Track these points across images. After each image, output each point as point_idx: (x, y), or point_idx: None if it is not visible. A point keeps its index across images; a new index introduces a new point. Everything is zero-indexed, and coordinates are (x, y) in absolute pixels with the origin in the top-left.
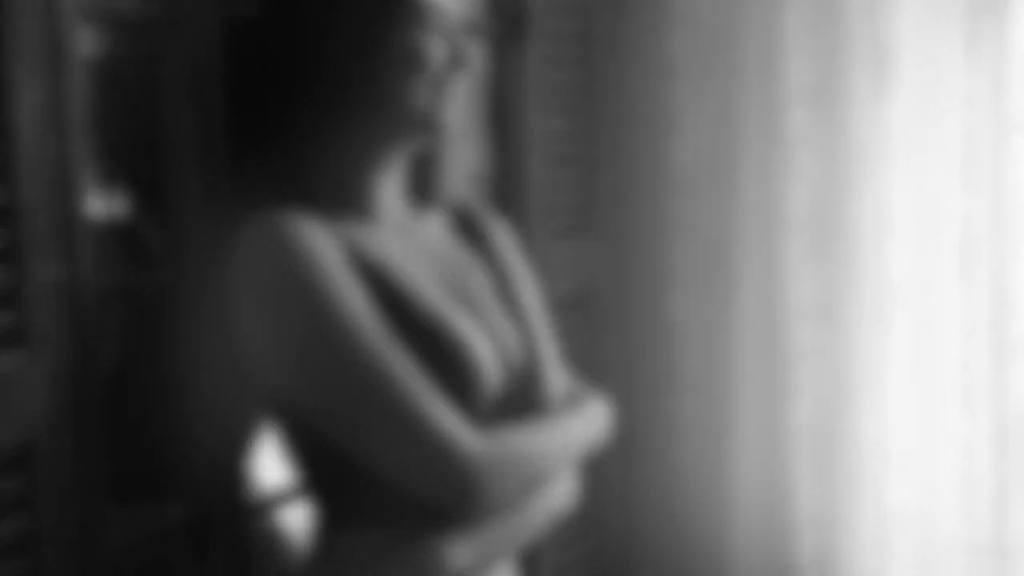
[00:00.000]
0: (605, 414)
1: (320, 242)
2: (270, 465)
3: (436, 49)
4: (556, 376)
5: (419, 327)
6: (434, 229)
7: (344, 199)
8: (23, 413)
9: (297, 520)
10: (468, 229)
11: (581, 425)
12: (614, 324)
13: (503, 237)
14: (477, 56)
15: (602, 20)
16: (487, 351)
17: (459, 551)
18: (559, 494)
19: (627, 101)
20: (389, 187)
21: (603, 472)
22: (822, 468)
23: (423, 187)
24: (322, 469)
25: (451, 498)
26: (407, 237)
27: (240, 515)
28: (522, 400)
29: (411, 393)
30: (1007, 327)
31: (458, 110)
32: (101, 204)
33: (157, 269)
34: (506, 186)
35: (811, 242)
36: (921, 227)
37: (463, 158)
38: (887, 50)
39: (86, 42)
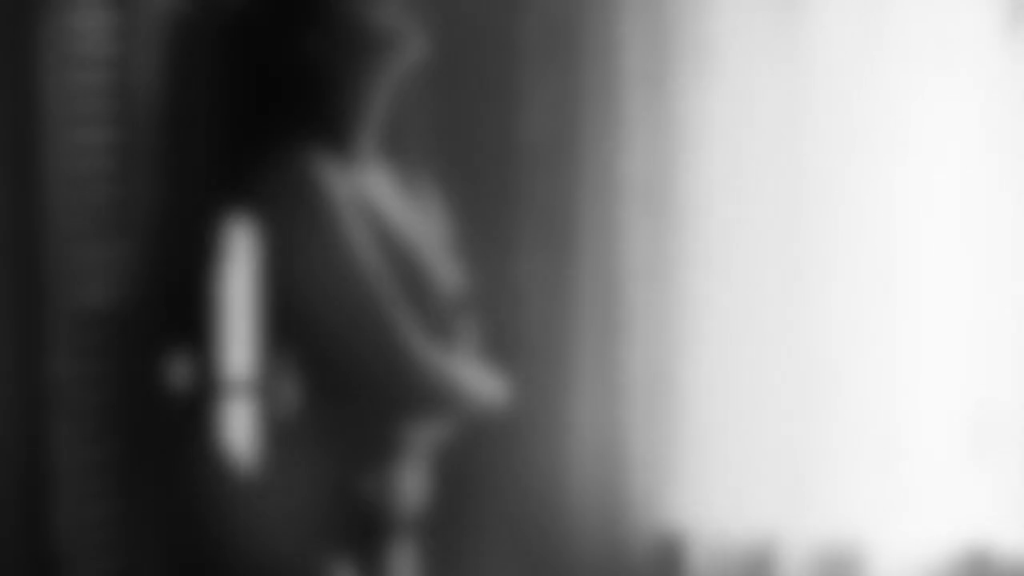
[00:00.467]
0: (503, 391)
1: (331, 182)
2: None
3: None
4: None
5: (398, 255)
6: (386, 177)
7: (340, 147)
8: None
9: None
10: (405, 182)
11: (489, 384)
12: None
13: (431, 193)
14: None
15: (454, 6)
16: (443, 280)
17: (418, 438)
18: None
19: (478, 79)
20: (370, 139)
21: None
22: (653, 414)
23: None
24: (312, 352)
25: (394, 381)
26: (378, 181)
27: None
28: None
29: (386, 304)
30: (807, 283)
31: None
32: None
33: None
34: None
35: (644, 209)
36: (737, 196)
37: None
38: (708, 41)
39: None
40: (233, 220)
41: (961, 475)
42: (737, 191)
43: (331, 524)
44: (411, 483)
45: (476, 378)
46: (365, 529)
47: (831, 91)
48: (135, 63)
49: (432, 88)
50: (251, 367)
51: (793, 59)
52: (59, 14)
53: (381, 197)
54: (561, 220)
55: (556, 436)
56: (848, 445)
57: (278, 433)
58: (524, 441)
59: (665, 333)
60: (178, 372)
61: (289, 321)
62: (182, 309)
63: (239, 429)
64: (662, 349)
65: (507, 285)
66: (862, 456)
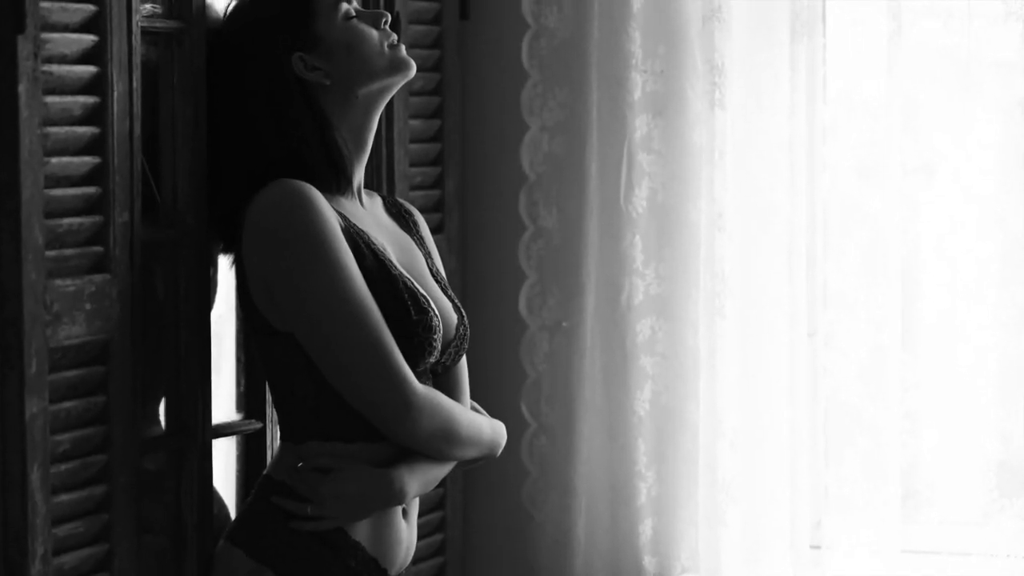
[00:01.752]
0: (503, 437)
1: (323, 205)
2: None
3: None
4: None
5: (394, 289)
6: (379, 210)
7: (334, 177)
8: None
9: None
10: (398, 216)
11: (490, 427)
12: None
13: (426, 227)
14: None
15: (454, 27)
16: (444, 319)
17: (411, 482)
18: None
19: (481, 105)
20: (362, 169)
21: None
22: (660, 450)
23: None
24: (296, 390)
25: (392, 420)
26: (371, 212)
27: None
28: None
29: (383, 335)
30: (818, 317)
31: None
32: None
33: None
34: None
35: (651, 239)
36: (750, 226)
37: None
38: (718, 65)
39: None
40: (219, 250)
41: (985, 519)
42: (748, 221)
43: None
44: (407, 532)
45: (476, 420)
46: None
47: (850, 117)
48: (113, 88)
49: (429, 114)
50: (236, 408)
51: (807, 82)
52: (34, 37)
53: (376, 229)
54: (565, 251)
55: (562, 476)
56: (867, 488)
57: (265, 478)
58: (529, 481)
59: (672, 368)
60: (161, 415)
61: (277, 359)
62: (164, 347)
63: (225, 473)
64: (669, 385)
65: (510, 321)
66: (881, 501)
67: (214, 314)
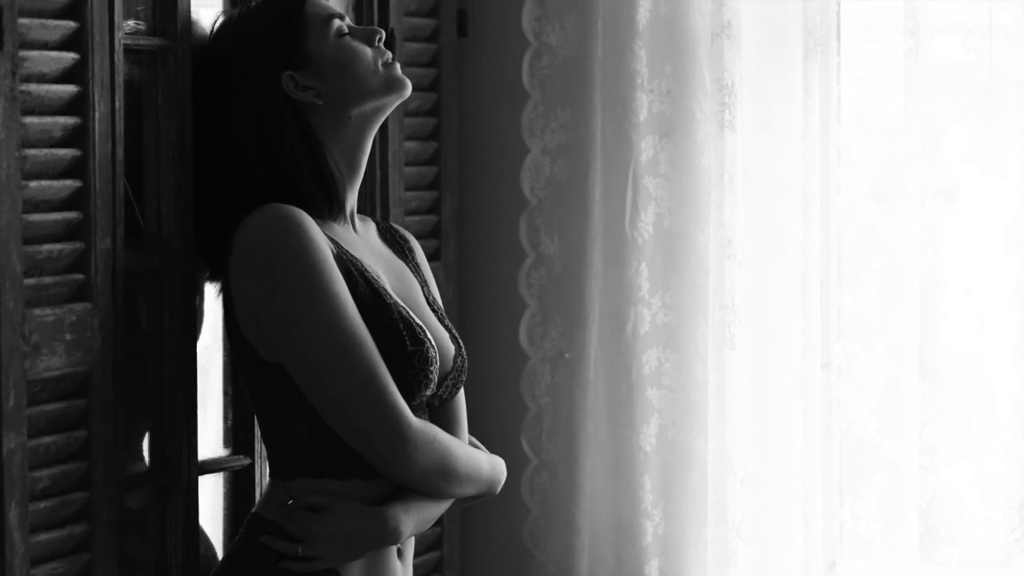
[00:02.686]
0: (503, 474)
1: (314, 231)
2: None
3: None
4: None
5: (389, 318)
6: (373, 236)
7: (326, 202)
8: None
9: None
10: (393, 243)
11: (489, 463)
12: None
13: (422, 254)
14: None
15: (452, 45)
16: (441, 350)
17: (406, 521)
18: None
19: (479, 126)
20: (355, 192)
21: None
22: (667, 487)
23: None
24: (286, 424)
25: (386, 456)
26: (364, 238)
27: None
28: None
29: (377, 367)
30: (832, 347)
31: None
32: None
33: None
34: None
35: (657, 267)
36: (761, 253)
37: None
38: (729, 84)
39: None
40: (206, 278)
41: (1008, 560)
42: (762, 248)
43: None
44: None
45: (474, 455)
46: None
47: (865, 138)
48: (95, 108)
49: (425, 135)
50: (224, 443)
51: (821, 102)
52: (12, 55)
53: (369, 256)
54: (568, 279)
55: (564, 515)
56: (883, 527)
57: (253, 516)
58: (530, 518)
59: (679, 401)
60: (145, 450)
61: (265, 391)
62: (148, 380)
63: (212, 511)
64: (676, 418)
65: (510, 352)
66: (898, 540)
67: (200, 345)
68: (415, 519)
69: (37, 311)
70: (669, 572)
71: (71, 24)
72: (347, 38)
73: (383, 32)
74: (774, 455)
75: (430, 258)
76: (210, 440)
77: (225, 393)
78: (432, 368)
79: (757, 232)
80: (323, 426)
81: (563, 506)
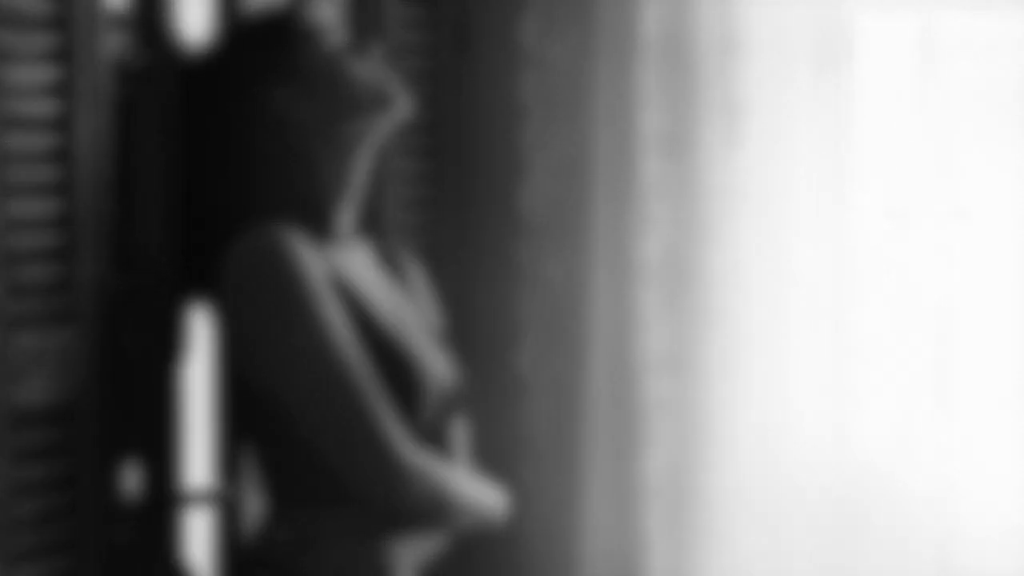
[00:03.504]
0: (504, 503)
1: (306, 257)
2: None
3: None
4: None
5: (382, 344)
6: (368, 256)
7: (316, 222)
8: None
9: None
10: (390, 264)
11: (487, 495)
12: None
13: (419, 274)
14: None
15: (449, 62)
16: (435, 374)
17: (401, 555)
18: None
19: (477, 144)
20: (349, 212)
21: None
22: (674, 522)
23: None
24: (280, 454)
25: (379, 487)
26: (358, 260)
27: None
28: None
29: (369, 398)
30: (850, 374)
31: None
32: None
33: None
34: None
35: (663, 291)
36: (770, 276)
37: None
38: (737, 101)
39: None
40: (194, 304)
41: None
42: (771, 270)
43: None
44: None
45: (472, 487)
46: None
47: (874, 154)
48: (80, 125)
49: (421, 153)
50: (213, 474)
51: (833, 120)
52: None
53: (363, 278)
54: (570, 304)
55: (565, 548)
56: (898, 564)
57: (243, 549)
58: (530, 554)
59: (687, 432)
60: (131, 480)
61: (256, 421)
62: (134, 408)
63: (199, 544)
64: (684, 450)
65: (509, 379)
66: (908, 569)
67: (188, 372)
68: (410, 553)
69: (19, 336)
70: None
71: (55, 38)
72: (340, 53)
73: (378, 47)
74: (785, 487)
75: (426, 281)
76: (198, 470)
77: (214, 421)
78: (424, 394)
79: (767, 254)
80: (314, 456)
81: (564, 541)
